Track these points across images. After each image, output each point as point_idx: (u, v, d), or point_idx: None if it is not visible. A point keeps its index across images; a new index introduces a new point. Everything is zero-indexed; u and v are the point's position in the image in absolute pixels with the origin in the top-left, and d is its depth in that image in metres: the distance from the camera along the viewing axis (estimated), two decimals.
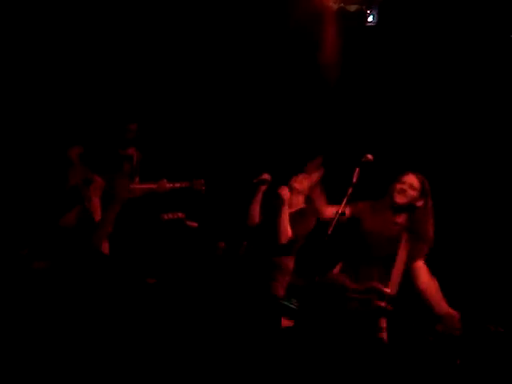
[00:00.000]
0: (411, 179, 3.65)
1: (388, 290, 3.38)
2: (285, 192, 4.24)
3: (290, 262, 4.27)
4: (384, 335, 3.86)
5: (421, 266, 3.70)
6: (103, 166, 5.01)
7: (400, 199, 3.61)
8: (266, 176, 4.36)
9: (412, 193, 3.63)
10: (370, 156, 3.51)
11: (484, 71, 5.42)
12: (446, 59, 5.48)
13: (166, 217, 5.75)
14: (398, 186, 3.62)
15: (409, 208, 3.67)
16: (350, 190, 3.38)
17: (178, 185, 5.17)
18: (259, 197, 4.41)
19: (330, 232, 3.24)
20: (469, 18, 5.17)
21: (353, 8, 5.80)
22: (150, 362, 3.65)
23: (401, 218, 3.69)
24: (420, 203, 3.68)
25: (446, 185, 5.48)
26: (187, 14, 6.03)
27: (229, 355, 3.80)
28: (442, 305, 3.63)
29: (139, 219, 5.55)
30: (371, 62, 5.80)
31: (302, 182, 4.31)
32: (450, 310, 3.59)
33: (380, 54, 5.70)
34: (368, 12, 5.75)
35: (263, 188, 4.40)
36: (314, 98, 6.00)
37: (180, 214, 5.79)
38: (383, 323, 3.73)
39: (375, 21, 5.76)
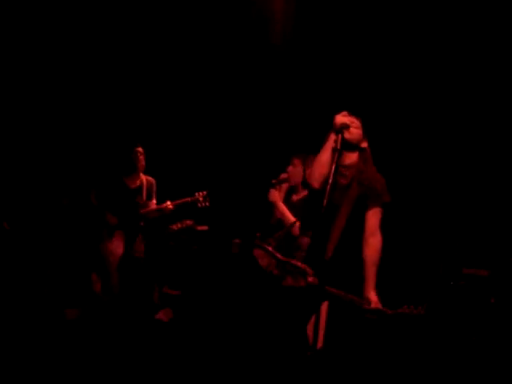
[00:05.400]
0: (351, 118, 3.22)
1: (308, 270, 3.24)
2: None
3: (305, 240, 4.38)
4: None
5: (371, 215, 3.25)
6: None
7: (346, 135, 3.17)
8: (285, 175, 4.41)
9: (357, 130, 3.24)
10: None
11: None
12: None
13: (175, 227, 5.80)
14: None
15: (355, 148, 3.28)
16: (336, 156, 3.26)
17: (180, 202, 5.26)
18: (282, 196, 4.46)
19: (325, 204, 3.16)
20: None
21: None
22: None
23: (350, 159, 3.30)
24: (365, 144, 3.31)
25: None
26: None
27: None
28: (369, 276, 3.16)
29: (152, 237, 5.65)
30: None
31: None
32: (372, 295, 3.12)
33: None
34: None
35: (285, 186, 4.48)
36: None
37: (188, 222, 5.83)
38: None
39: None
